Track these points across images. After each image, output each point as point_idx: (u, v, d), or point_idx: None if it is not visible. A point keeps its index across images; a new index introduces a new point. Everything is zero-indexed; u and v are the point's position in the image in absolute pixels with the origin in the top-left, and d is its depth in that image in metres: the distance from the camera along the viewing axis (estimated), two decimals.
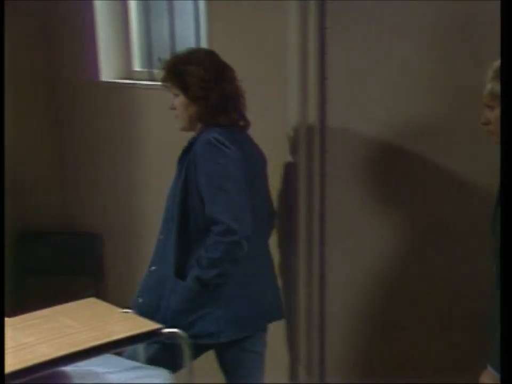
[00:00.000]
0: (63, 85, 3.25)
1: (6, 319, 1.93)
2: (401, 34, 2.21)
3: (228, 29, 2.55)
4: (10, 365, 1.51)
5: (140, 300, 2.17)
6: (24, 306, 1.93)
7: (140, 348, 1.93)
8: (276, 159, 2.35)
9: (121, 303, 1.90)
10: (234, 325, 2.13)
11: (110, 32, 3.12)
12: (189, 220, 2.11)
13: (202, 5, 2.75)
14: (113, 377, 1.75)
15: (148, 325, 1.74)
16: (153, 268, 2.19)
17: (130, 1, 3.12)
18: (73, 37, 3.14)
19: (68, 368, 1.71)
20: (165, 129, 2.94)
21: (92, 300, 1.93)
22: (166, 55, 2.98)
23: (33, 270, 3.40)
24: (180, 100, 2.15)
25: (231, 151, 2.05)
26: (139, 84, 3.09)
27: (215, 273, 2.04)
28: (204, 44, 2.78)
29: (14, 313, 1.81)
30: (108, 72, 3.14)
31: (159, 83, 3.02)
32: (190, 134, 2.19)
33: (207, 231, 2.06)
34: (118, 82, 3.15)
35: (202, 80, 2.09)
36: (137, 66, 3.21)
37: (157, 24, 3.10)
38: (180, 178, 2.13)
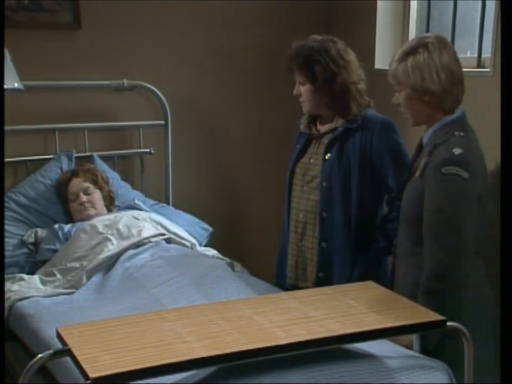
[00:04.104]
0: None
1: (292, 292, 2.05)
2: None
3: None
4: (300, 335, 1.60)
5: (321, 275, 2.34)
6: None
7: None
8: None
9: None
10: None
11: (388, 19, 3.11)
12: (363, 195, 2.29)
13: None
14: (391, 363, 1.75)
15: (430, 316, 1.71)
16: (323, 244, 2.32)
17: None
18: (353, 25, 3.20)
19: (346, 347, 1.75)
20: None
21: (370, 284, 1.95)
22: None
23: None
24: (305, 88, 2.28)
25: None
26: None
27: None
28: (489, 28, 2.62)
29: None
30: (382, 59, 3.14)
31: None
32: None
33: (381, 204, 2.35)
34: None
35: (327, 70, 2.23)
36: None
37: (437, 9, 3.00)
38: (339, 158, 2.27)
